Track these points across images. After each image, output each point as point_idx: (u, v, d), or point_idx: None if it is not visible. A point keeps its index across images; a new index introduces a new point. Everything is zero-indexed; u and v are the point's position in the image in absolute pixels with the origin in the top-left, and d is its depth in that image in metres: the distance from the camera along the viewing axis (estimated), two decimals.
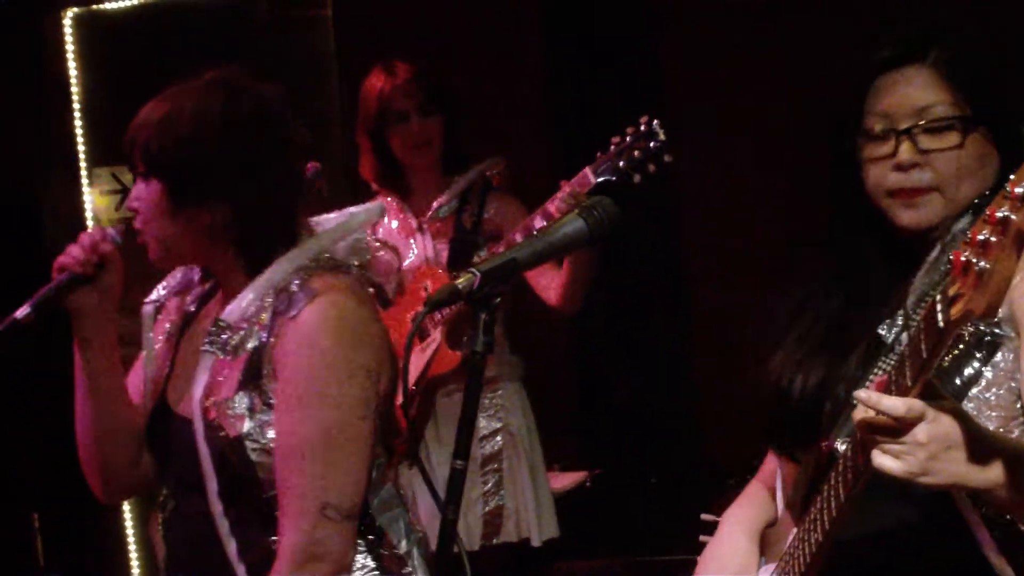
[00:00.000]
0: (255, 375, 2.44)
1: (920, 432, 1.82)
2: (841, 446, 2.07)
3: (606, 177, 3.92)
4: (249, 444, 2.41)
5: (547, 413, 4.51)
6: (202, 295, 2.68)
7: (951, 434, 1.85)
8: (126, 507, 5.03)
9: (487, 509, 4.28)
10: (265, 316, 2.45)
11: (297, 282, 2.46)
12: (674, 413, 5.52)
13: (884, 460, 1.85)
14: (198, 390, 2.46)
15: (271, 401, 2.42)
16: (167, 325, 2.67)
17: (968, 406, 2.03)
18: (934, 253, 2.16)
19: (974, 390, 2.02)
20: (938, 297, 1.75)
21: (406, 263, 4.29)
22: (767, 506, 2.44)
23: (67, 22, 5.10)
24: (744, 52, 5.32)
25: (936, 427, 1.83)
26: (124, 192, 5.08)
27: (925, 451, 1.82)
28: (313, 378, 2.38)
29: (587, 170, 3.95)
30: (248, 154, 2.51)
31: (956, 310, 1.71)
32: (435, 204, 4.29)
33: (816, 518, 2.11)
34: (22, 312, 2.50)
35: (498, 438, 4.30)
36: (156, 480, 2.66)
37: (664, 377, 5.57)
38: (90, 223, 5.11)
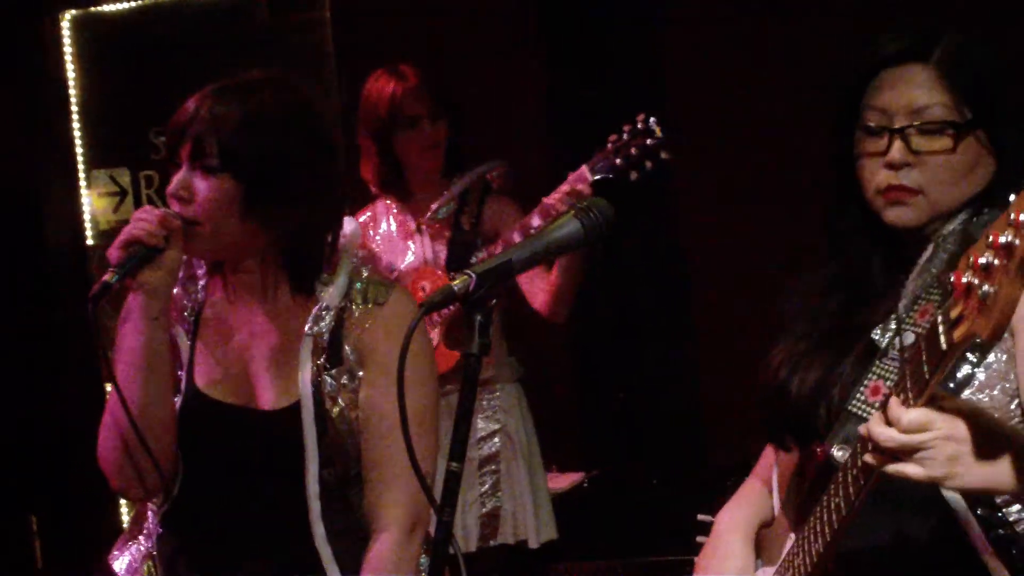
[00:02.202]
0: (336, 360, 2.53)
1: (926, 436, 1.82)
2: (837, 452, 2.07)
3: (603, 175, 3.93)
4: (340, 425, 2.51)
5: (546, 413, 4.50)
6: (204, 294, 2.68)
7: (964, 435, 1.85)
8: (123, 509, 5.04)
9: (484, 511, 4.27)
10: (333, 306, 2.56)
11: (365, 275, 2.60)
12: (673, 414, 5.51)
13: (906, 467, 1.85)
14: (306, 375, 2.52)
15: (352, 384, 2.53)
16: (173, 314, 2.65)
17: None
18: (926, 255, 2.15)
19: (967, 392, 2.02)
20: (939, 319, 1.74)
21: (404, 264, 4.29)
22: (763, 505, 2.44)
23: (65, 24, 5.11)
24: (745, 53, 5.32)
25: (950, 425, 1.83)
26: (122, 194, 5.09)
27: (947, 449, 1.83)
28: (413, 358, 2.36)
29: (584, 168, 3.96)
30: (321, 164, 2.57)
31: (959, 333, 1.70)
32: (434, 206, 4.29)
33: (816, 528, 2.11)
34: (109, 276, 2.44)
35: (496, 439, 4.30)
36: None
37: (663, 378, 5.57)
38: (88, 225, 5.11)
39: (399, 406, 1.92)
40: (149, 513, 2.65)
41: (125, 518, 5.05)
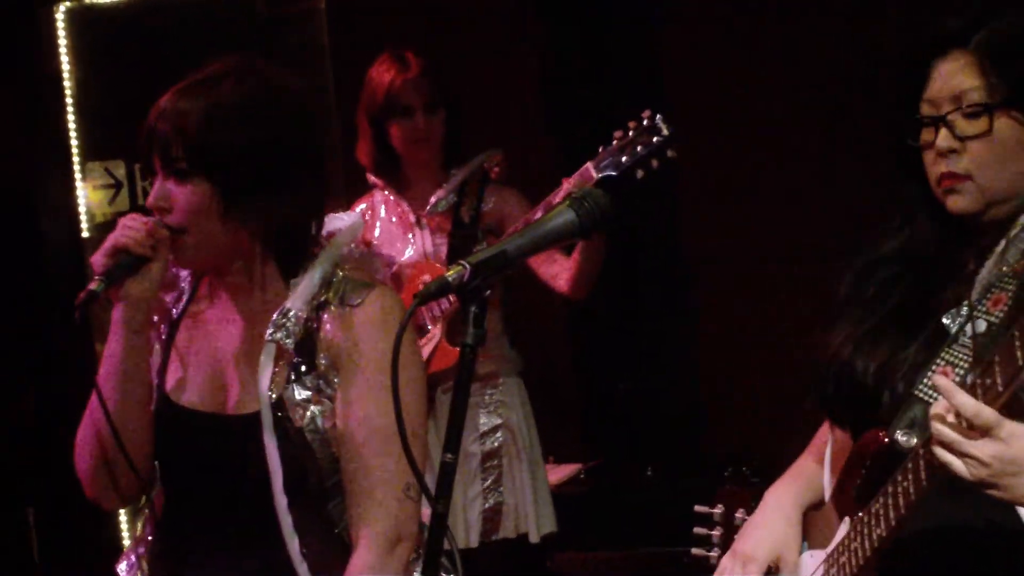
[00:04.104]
0: (309, 366, 2.44)
1: (985, 449, 1.82)
2: (902, 437, 2.08)
3: (608, 172, 3.90)
4: (309, 435, 2.42)
5: (545, 405, 4.50)
6: (187, 294, 2.63)
7: (1020, 458, 1.83)
8: None
9: (487, 506, 4.26)
10: (308, 309, 2.45)
11: (341, 275, 2.47)
12: (671, 405, 5.51)
13: (951, 459, 1.85)
14: (264, 381, 2.43)
15: (328, 391, 2.43)
16: (154, 319, 2.60)
17: None
18: (1002, 244, 2.15)
19: None
20: None
21: (404, 258, 4.27)
22: (812, 485, 2.42)
23: (60, 16, 5.09)
24: (744, 45, 5.31)
25: (1005, 449, 1.82)
26: (117, 186, 5.07)
27: (988, 470, 1.83)
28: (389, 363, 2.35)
29: (588, 165, 3.94)
30: (297, 149, 2.47)
31: None
32: (433, 198, 4.27)
33: (880, 512, 2.09)
34: (95, 285, 2.40)
35: (498, 434, 4.29)
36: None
37: (662, 370, 5.57)
38: (83, 218, 5.10)
39: (395, 408, 1.88)
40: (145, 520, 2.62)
41: (122, 512, 5.05)
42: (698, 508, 2.56)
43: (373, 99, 4.23)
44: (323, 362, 2.44)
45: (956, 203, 2.18)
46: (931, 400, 2.07)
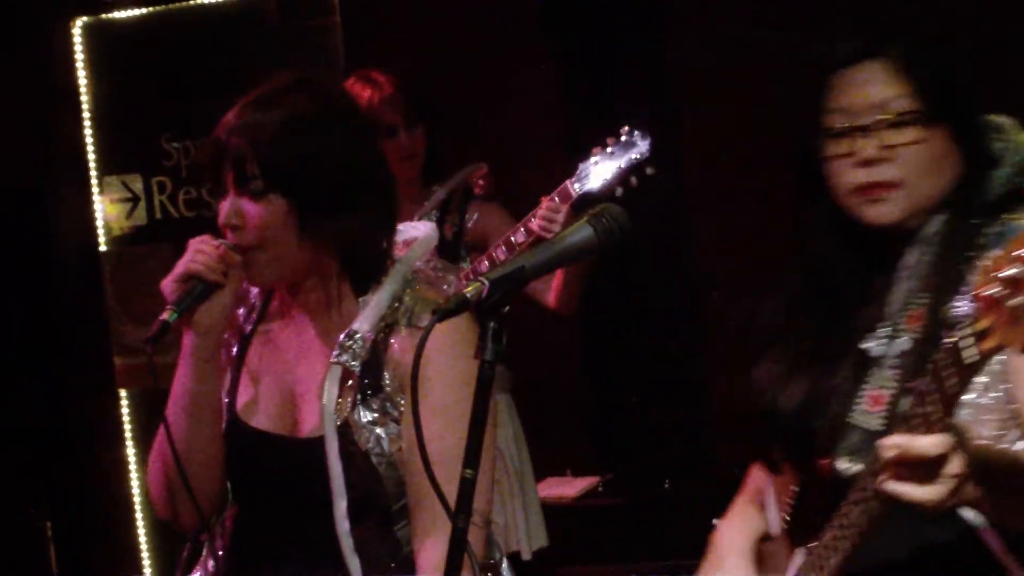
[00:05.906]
0: (375, 388, 2.37)
1: (954, 464, 1.81)
2: (843, 465, 2.07)
3: (587, 190, 3.84)
4: (375, 458, 2.35)
5: (560, 418, 4.50)
6: (258, 311, 2.57)
7: (971, 461, 1.84)
8: (138, 515, 5.04)
9: None
10: (377, 330, 2.38)
11: (411, 293, 2.40)
12: (686, 418, 5.50)
13: (918, 492, 1.84)
14: (330, 404, 2.35)
15: (394, 413, 2.36)
16: (224, 341, 2.54)
17: (964, 412, 2.00)
18: (912, 258, 2.14)
19: (970, 395, 1.98)
20: (961, 334, 1.72)
21: None
22: (756, 522, 2.42)
23: (77, 31, 5.12)
24: (753, 51, 5.30)
25: (963, 455, 1.82)
26: (135, 200, 5.10)
27: (956, 480, 1.82)
28: (458, 385, 2.27)
29: (567, 183, 3.86)
30: (367, 162, 2.42)
31: (989, 345, 1.68)
32: (416, 217, 4.15)
33: (833, 543, 2.08)
34: (167, 315, 2.33)
35: None
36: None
37: (676, 382, 5.56)
38: (101, 231, 5.12)
39: (416, 431, 1.84)
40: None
41: (140, 525, 5.07)
42: (717, 522, 2.56)
43: None
44: (389, 384, 2.37)
45: (879, 213, 2.14)
46: (866, 425, 2.08)
